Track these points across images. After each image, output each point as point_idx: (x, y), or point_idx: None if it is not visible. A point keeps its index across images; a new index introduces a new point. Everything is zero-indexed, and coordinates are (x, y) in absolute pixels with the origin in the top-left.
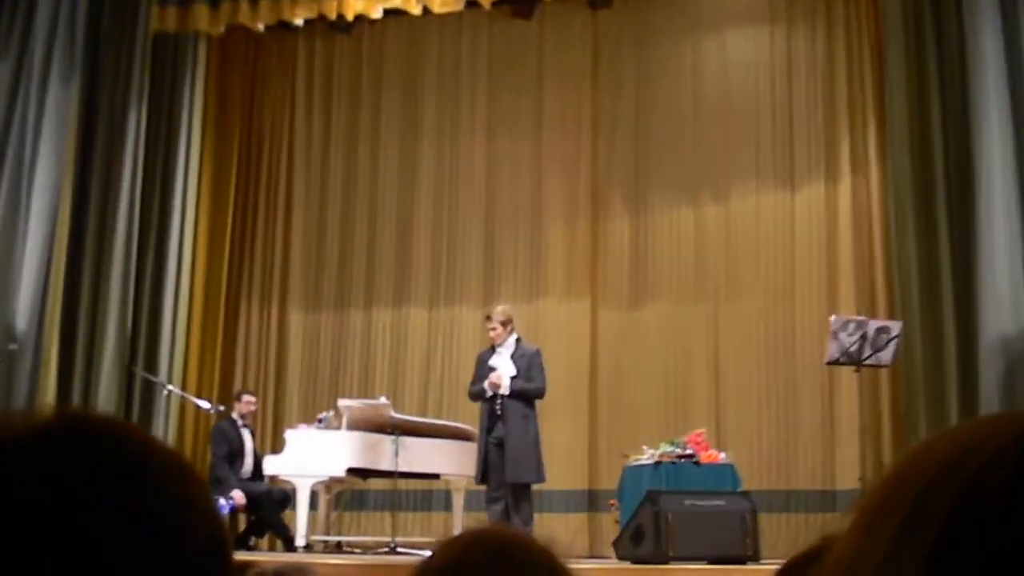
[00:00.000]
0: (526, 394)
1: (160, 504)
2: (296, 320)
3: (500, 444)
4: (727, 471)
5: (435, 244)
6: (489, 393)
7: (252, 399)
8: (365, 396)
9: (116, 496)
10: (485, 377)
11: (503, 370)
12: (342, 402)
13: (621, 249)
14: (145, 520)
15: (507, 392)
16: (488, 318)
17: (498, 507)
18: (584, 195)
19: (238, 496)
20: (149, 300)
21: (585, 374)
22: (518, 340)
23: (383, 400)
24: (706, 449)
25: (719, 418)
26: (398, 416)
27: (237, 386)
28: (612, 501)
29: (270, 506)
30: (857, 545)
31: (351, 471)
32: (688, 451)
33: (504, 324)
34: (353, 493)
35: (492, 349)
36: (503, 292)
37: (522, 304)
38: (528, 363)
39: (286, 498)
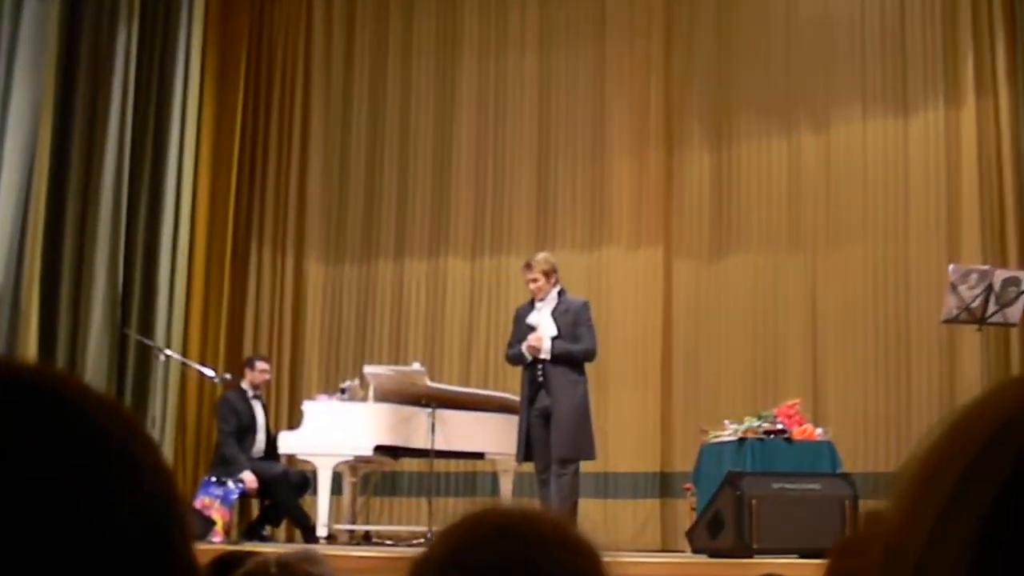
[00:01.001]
0: (571, 357)
1: (101, 461)
2: (315, 273)
3: (545, 416)
4: (824, 449)
5: (478, 181)
6: (528, 358)
7: (265, 366)
8: (396, 362)
9: (50, 453)
10: (524, 338)
11: (543, 330)
12: (369, 369)
13: (700, 186)
14: (84, 479)
15: (549, 356)
16: (527, 266)
17: (549, 490)
18: (655, 121)
19: (249, 479)
20: (143, 251)
21: (657, 336)
22: (561, 293)
23: (417, 366)
24: (800, 423)
25: (816, 387)
26: (435, 385)
27: (247, 351)
28: (687, 485)
29: (286, 490)
30: (904, 521)
31: (380, 449)
32: (778, 426)
33: (547, 275)
34: (383, 475)
35: (531, 304)
36: (558, 238)
37: (581, 253)
38: (573, 319)
39: (305, 481)
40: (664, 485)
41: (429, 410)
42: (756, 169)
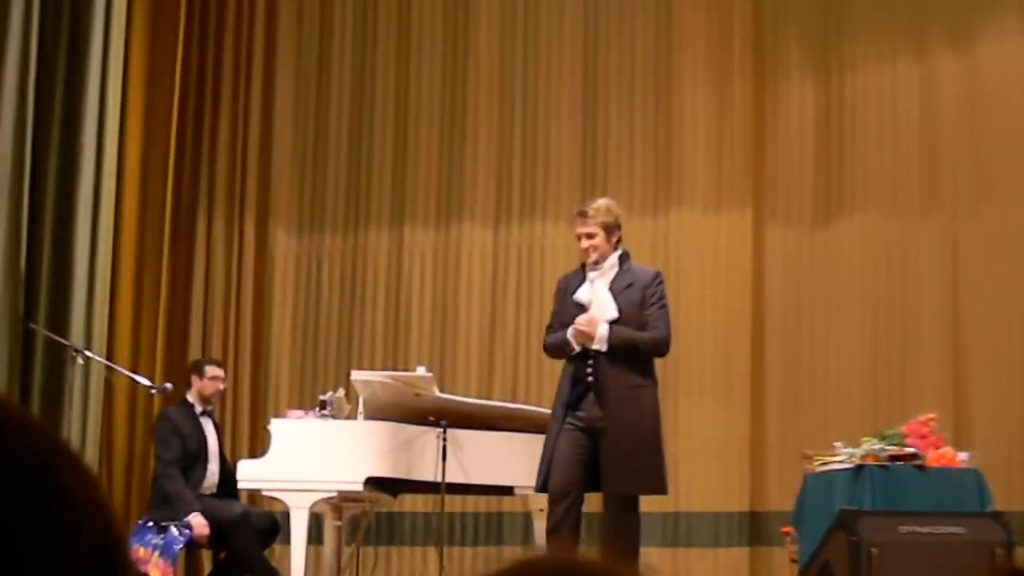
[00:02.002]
0: (636, 350)
1: (36, 499)
2: (285, 247)
3: (590, 430)
4: (970, 480)
5: (502, 127)
6: (575, 348)
7: (219, 372)
8: (394, 366)
9: None
10: (570, 320)
11: (598, 309)
12: (358, 376)
13: (801, 129)
14: (14, 519)
15: (604, 346)
16: (580, 216)
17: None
18: (740, 45)
19: (198, 523)
20: (53, 222)
21: (744, 328)
22: (624, 259)
23: (423, 372)
24: (937, 446)
25: (958, 397)
26: (446, 396)
27: (194, 352)
28: (786, 528)
29: (248, 538)
30: None
31: (373, 483)
32: (908, 449)
33: (608, 230)
34: (378, 518)
35: (582, 273)
36: (610, 194)
37: (640, 219)
38: (642, 297)
39: (273, 526)
40: (754, 529)
41: (439, 430)
42: (876, 105)
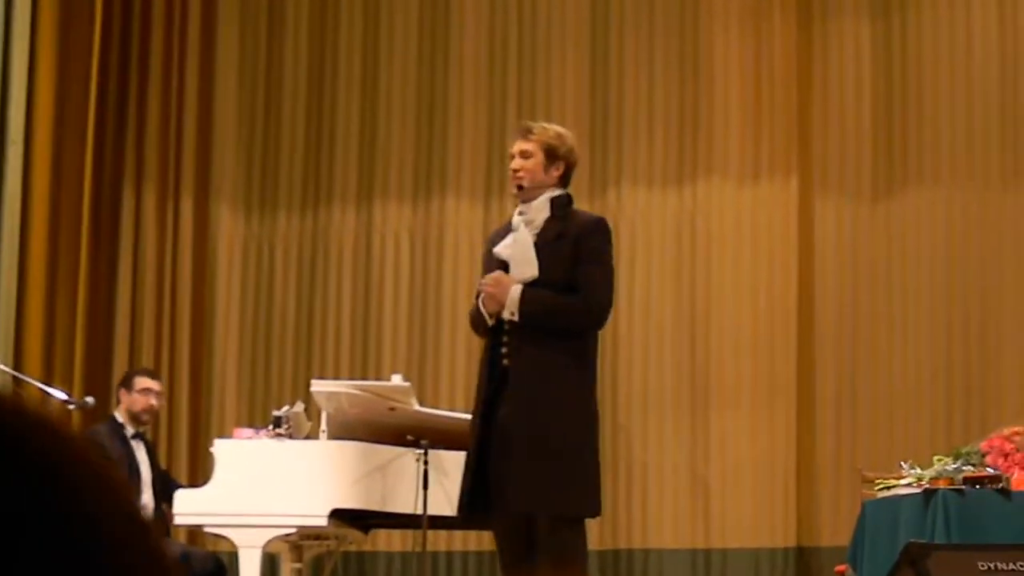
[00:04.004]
0: (557, 318)
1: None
2: (229, 230)
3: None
4: None
5: (493, 75)
6: (490, 321)
7: (151, 385)
8: (364, 375)
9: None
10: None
11: (518, 265)
12: (320, 387)
13: (857, 77)
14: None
15: (516, 314)
16: (523, 131)
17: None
18: None
19: None
20: None
21: (790, 321)
22: (560, 203)
23: (398, 381)
24: (1023, 465)
25: None
26: (428, 411)
27: (122, 362)
28: (840, 567)
29: None
30: None
31: (340, 516)
32: (988, 469)
33: (549, 156)
34: (346, 558)
35: (509, 225)
36: (625, 162)
37: (663, 188)
38: (573, 250)
39: (218, 569)
40: (802, 568)
41: (418, 452)
42: (948, 49)
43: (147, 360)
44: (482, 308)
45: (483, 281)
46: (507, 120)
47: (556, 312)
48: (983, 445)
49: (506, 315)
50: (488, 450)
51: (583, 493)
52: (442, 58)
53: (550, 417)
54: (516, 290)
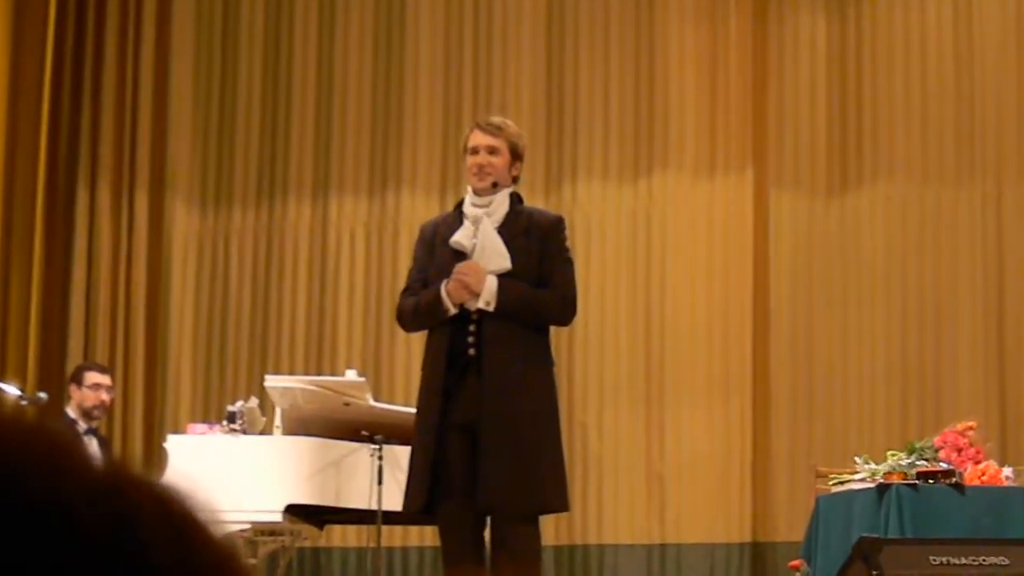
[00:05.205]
0: (537, 312)
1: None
2: (184, 225)
3: (472, 432)
4: (1016, 500)
5: (448, 68)
6: (451, 309)
7: (102, 379)
8: (319, 370)
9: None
10: (442, 273)
11: (485, 257)
12: (274, 382)
13: (812, 72)
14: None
15: (492, 305)
16: (488, 126)
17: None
18: None
19: None
20: None
21: (745, 316)
22: (517, 199)
23: (353, 376)
24: (977, 460)
25: (1003, 401)
26: (383, 406)
27: (74, 356)
28: (795, 562)
29: None
30: None
31: (294, 511)
32: (942, 464)
33: (514, 154)
34: (301, 554)
35: (457, 213)
36: (580, 157)
37: (617, 183)
38: (540, 244)
39: None
40: (758, 563)
41: (373, 447)
42: (903, 44)
43: (101, 356)
44: (445, 297)
45: (460, 269)
46: (462, 115)
47: (533, 305)
48: (936, 440)
49: (480, 304)
50: (446, 443)
51: (556, 489)
52: (397, 53)
53: (524, 411)
54: (492, 281)
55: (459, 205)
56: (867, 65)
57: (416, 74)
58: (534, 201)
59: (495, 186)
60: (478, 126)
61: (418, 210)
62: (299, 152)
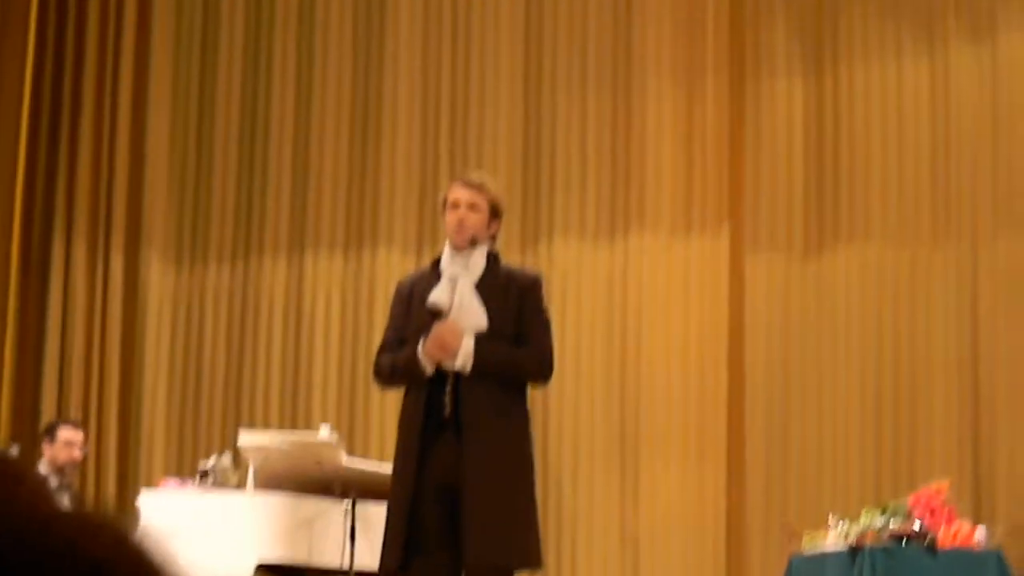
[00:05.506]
0: (516, 371)
1: None
2: (159, 280)
3: (448, 489)
4: (990, 564)
5: (426, 129)
6: (427, 370)
7: (75, 436)
8: (294, 425)
9: None
10: (419, 330)
11: (462, 315)
12: (247, 439)
13: (789, 134)
14: None
15: (468, 367)
16: (468, 183)
17: None
18: (715, 34)
19: None
20: None
21: (720, 376)
22: (494, 259)
23: (326, 434)
24: (951, 521)
25: (977, 462)
26: (354, 465)
27: (47, 413)
28: None
29: None
30: None
31: (266, 570)
32: (916, 525)
33: (493, 213)
34: None
35: (433, 271)
36: (556, 219)
37: (593, 243)
38: (518, 304)
39: None
40: None
41: (346, 504)
42: (879, 107)
43: (75, 410)
44: (422, 357)
45: (436, 331)
46: (439, 172)
47: (511, 365)
48: (911, 500)
49: (457, 366)
50: (422, 501)
51: (532, 545)
52: (375, 110)
53: (502, 467)
54: (469, 342)
55: (436, 262)
56: (843, 127)
57: (393, 131)
58: (510, 258)
59: (473, 243)
60: (460, 181)
61: (394, 267)
62: (275, 209)
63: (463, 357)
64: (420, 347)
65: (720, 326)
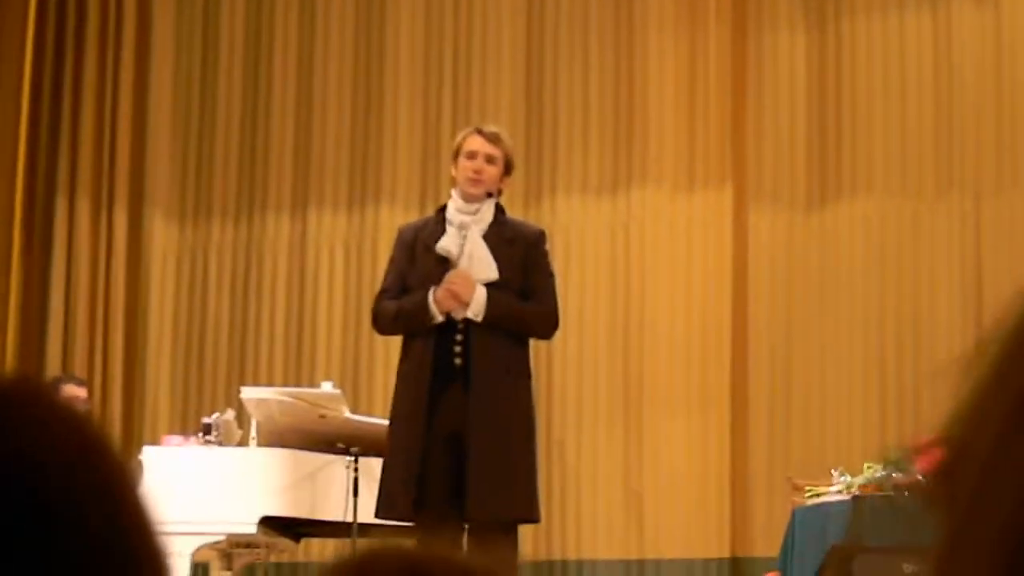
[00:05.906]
0: (523, 325)
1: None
2: (163, 239)
3: (456, 440)
4: None
5: (428, 86)
6: (438, 317)
7: (78, 392)
8: (297, 382)
9: None
10: (425, 279)
11: (473, 266)
12: (250, 393)
13: (791, 87)
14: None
15: (480, 315)
16: (487, 134)
17: None
18: None
19: None
20: None
21: (723, 331)
22: (501, 210)
23: (329, 388)
24: None
25: None
26: (358, 419)
27: (51, 368)
28: (770, 574)
29: None
30: (970, 421)
31: (269, 524)
32: (917, 476)
33: (507, 166)
34: (277, 568)
35: (439, 218)
36: (559, 171)
37: (596, 197)
38: (523, 258)
39: None
40: None
41: (348, 459)
42: (882, 60)
43: (80, 368)
44: (432, 305)
45: (450, 279)
46: (441, 129)
47: (520, 318)
48: (914, 451)
49: (469, 315)
50: (429, 451)
51: (532, 499)
52: (377, 67)
53: (509, 422)
54: (482, 291)
55: (441, 210)
56: (846, 80)
57: (395, 88)
58: (513, 214)
59: (488, 195)
60: (479, 132)
61: (397, 223)
62: (278, 166)
63: (475, 307)
64: (431, 294)
65: (723, 280)
